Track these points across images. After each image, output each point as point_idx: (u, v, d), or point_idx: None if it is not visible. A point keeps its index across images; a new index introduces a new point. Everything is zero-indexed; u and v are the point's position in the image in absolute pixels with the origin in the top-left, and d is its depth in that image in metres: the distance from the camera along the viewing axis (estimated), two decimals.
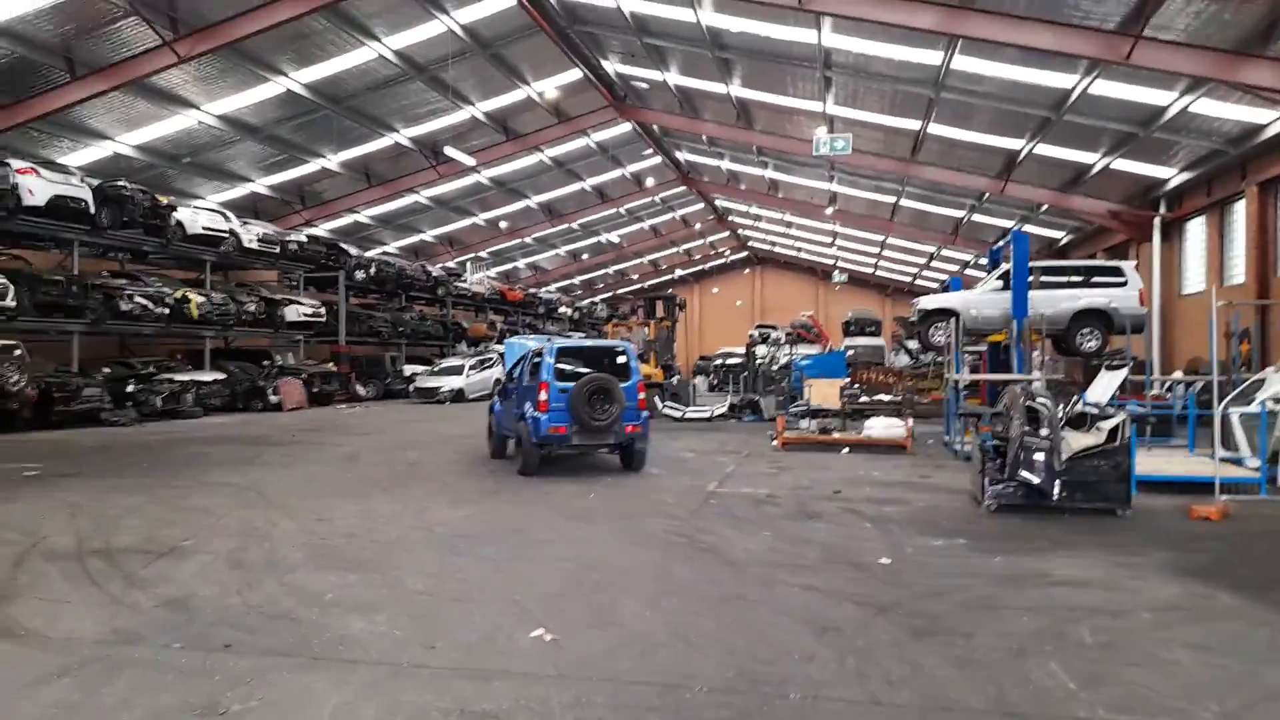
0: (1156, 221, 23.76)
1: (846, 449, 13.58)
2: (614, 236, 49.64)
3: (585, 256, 52.30)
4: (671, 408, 20.85)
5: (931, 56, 18.59)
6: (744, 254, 64.55)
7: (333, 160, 27.91)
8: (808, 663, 4.23)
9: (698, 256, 62.29)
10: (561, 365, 11.47)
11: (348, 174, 29.28)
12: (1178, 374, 18.01)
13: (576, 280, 59.67)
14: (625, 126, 31.62)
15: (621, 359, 12.03)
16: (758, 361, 38.93)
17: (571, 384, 11.06)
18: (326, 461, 12.86)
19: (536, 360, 11.78)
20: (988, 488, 8.23)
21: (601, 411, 10.97)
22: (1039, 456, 7.78)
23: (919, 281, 58.35)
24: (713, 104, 26.97)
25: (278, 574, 6.09)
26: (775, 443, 14.73)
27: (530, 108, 27.68)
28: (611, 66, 25.91)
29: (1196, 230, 23.27)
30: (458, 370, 30.37)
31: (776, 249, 61.03)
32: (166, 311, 21.82)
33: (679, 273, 65.02)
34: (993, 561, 6.31)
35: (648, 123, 30.63)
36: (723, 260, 65.05)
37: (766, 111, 26.26)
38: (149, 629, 4.91)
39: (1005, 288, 17.21)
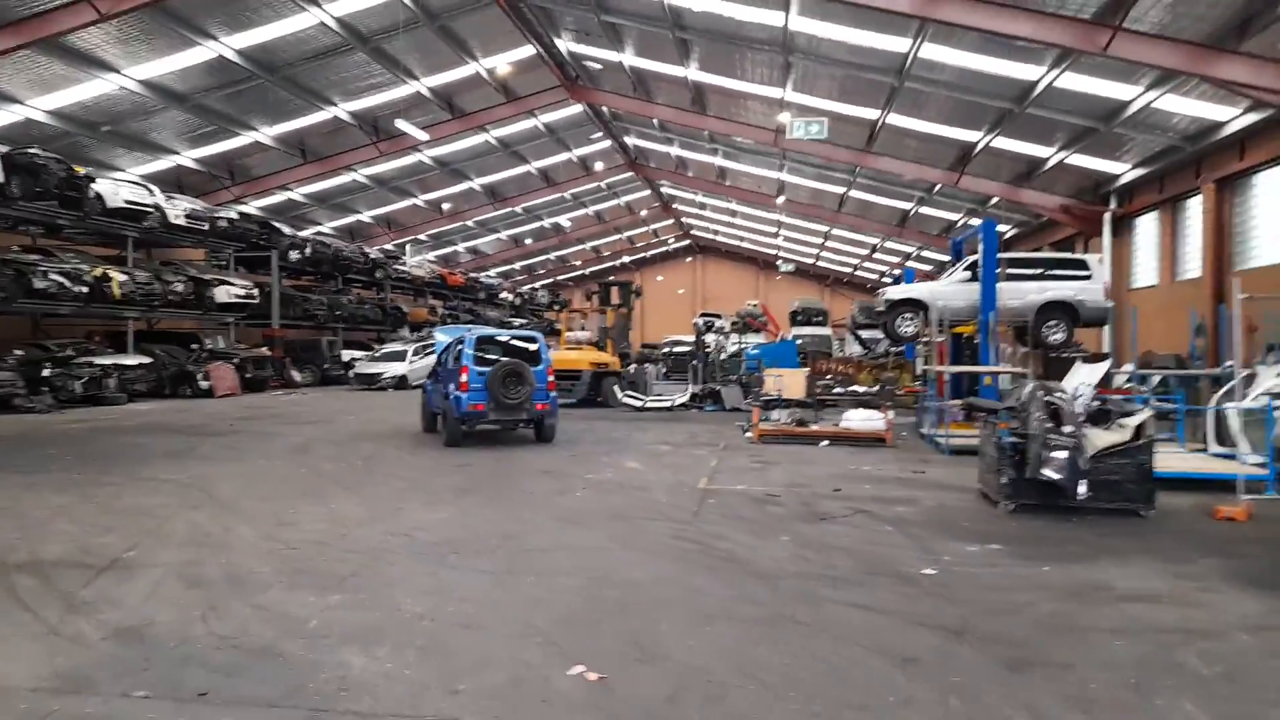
0: (1107, 216, 24.02)
1: (825, 441, 13.14)
2: (558, 221, 48.64)
3: (529, 241, 51.19)
4: (631, 397, 20.19)
5: (899, 43, 18.24)
6: (686, 242, 64.21)
7: (266, 134, 26.34)
8: (906, 707, 3.64)
9: (640, 244, 61.68)
10: (480, 352, 13.03)
11: (281, 149, 27.72)
12: (1128, 367, 18.11)
13: (517, 265, 58.48)
14: (575, 108, 30.72)
15: (533, 346, 13.81)
16: (707, 350, 38.75)
17: (489, 368, 12.61)
18: (274, 454, 11.85)
19: (459, 347, 13.19)
20: (1002, 486, 7.81)
21: (514, 391, 12.66)
22: (1061, 454, 7.38)
23: (859, 272, 58.93)
24: (668, 87, 26.30)
25: (245, 594, 5.25)
26: (750, 435, 14.22)
27: (478, 85, 26.58)
28: (565, 45, 24.98)
29: (1148, 225, 23.58)
30: (400, 356, 29.16)
31: (719, 238, 60.84)
32: (85, 290, 20.20)
33: (625, 260, 64.37)
34: (1042, 571, 5.84)
35: (599, 105, 29.79)
36: (665, 248, 64.61)
37: (722, 96, 25.71)
38: (100, 670, 4.05)
39: (973, 279, 17.09)
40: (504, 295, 51.37)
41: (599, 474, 10.18)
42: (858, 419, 13.23)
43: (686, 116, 27.46)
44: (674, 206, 51.56)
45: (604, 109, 31.01)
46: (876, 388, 15.10)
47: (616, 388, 20.64)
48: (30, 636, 4.50)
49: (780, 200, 37.11)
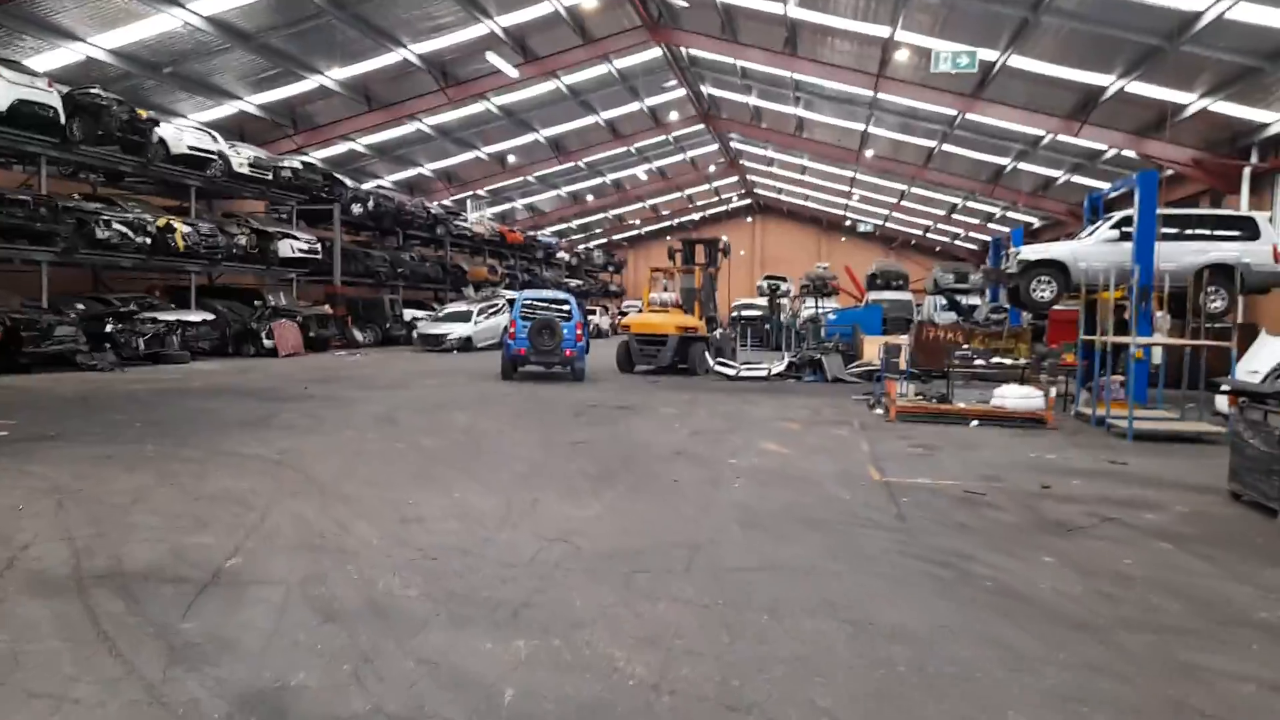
0: (1246, 172, 21.70)
1: (975, 421, 11.54)
2: (619, 177, 46.90)
3: (590, 199, 49.50)
4: (723, 365, 18.68)
5: None
6: (747, 202, 62.04)
7: (331, 77, 24.96)
8: None
9: (701, 203, 59.65)
10: (525, 310, 17.47)
11: (346, 94, 26.35)
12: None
13: (574, 224, 56.89)
14: (653, 52, 28.89)
15: (565, 307, 17.63)
16: (786, 315, 37.01)
17: (529, 321, 16.89)
18: (360, 424, 10.60)
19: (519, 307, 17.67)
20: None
21: (547, 341, 16.66)
22: None
23: (929, 235, 56.40)
24: (759, 26, 24.30)
25: (399, 634, 3.89)
26: (880, 411, 12.67)
27: (553, 25, 24.86)
28: None
29: None
30: (465, 316, 27.97)
31: (783, 197, 58.57)
32: (148, 242, 19.19)
33: (681, 220, 62.44)
34: None
35: (679, 46, 27.88)
36: (725, 208, 62.51)
37: (818, 36, 23.69)
38: None
39: (1121, 238, 15.24)
40: (560, 255, 49.99)
41: (742, 458, 8.72)
42: (1014, 396, 11.58)
43: (776, 59, 25.43)
44: (740, 163, 49.43)
45: (684, 52, 29.12)
46: (1026, 360, 13.38)
47: (707, 354, 19.14)
48: (124, 706, 3.18)
49: (869, 154, 34.90)
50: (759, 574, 4.92)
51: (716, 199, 59.89)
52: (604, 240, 63.80)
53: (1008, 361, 12.95)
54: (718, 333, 20.88)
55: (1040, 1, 17.28)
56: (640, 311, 22.81)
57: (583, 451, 8.93)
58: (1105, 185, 30.96)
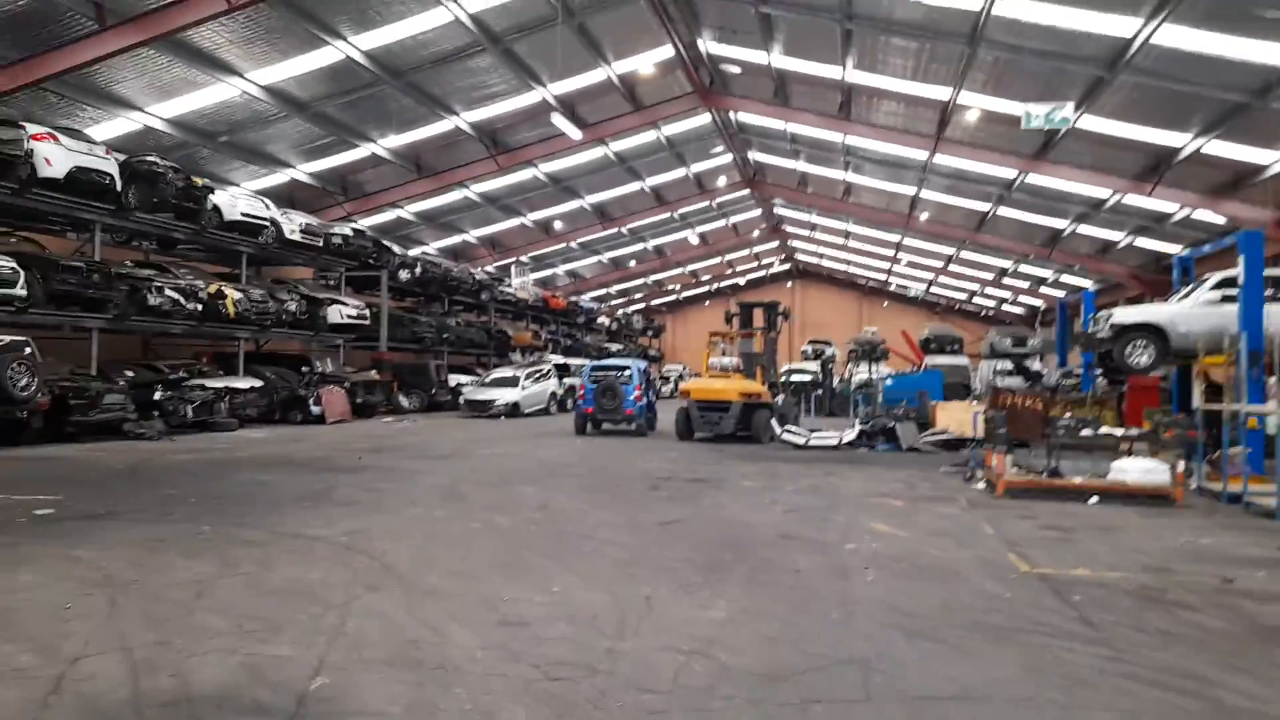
0: None
1: (1094, 498, 10.48)
2: (661, 242, 46.68)
3: (633, 264, 49.26)
4: (792, 433, 17.75)
5: (1125, 25, 15.57)
6: (786, 266, 61.59)
7: (383, 146, 24.97)
8: None
9: (740, 268, 59.29)
10: (594, 375, 20.60)
11: (397, 163, 26.34)
12: None
13: (614, 289, 56.65)
14: (701, 119, 28.70)
15: (627, 373, 20.43)
16: (846, 380, 36.03)
17: (595, 385, 20.07)
18: (425, 499, 9.81)
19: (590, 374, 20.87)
20: None
21: (610, 400, 19.80)
22: None
23: (976, 300, 55.41)
24: (813, 90, 23.96)
25: None
26: (980, 486, 11.66)
27: (604, 93, 24.74)
28: (705, 45, 22.99)
29: None
30: (512, 382, 27.37)
31: (824, 262, 58.04)
32: (199, 308, 18.88)
33: (719, 285, 62.09)
34: None
35: (730, 111, 27.65)
36: (764, 273, 62.09)
37: (876, 99, 23.27)
38: None
39: (1223, 300, 14.28)
40: (601, 320, 49.62)
41: (858, 542, 7.78)
42: (1135, 470, 10.53)
43: (829, 123, 25.05)
44: (782, 228, 49.06)
45: (733, 118, 28.91)
46: (1140, 429, 12.30)
47: (774, 422, 18.23)
48: None
49: (923, 218, 34.26)
50: (962, 706, 3.98)
51: (756, 264, 59.50)
52: (643, 305, 63.51)
53: (1119, 432, 11.88)
54: (779, 399, 19.98)
55: (1118, 59, 16.64)
56: (695, 377, 22.09)
57: (677, 534, 8.04)
58: (1174, 248, 30.09)
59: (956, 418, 19.89)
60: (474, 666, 4.37)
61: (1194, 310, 14.56)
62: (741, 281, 62.05)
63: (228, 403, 19.16)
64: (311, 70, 19.83)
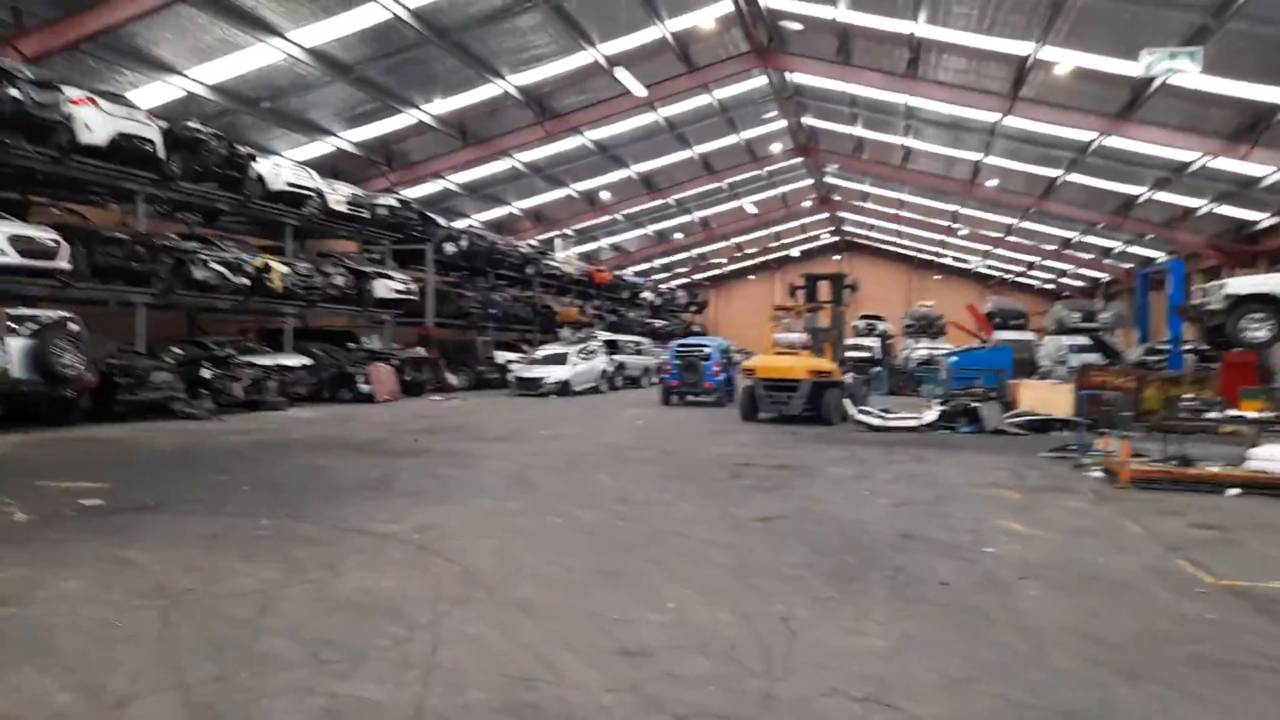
0: None
1: (1235, 489, 9.37)
2: (708, 214, 45.49)
3: (679, 236, 48.11)
4: (868, 414, 16.72)
5: None
6: (834, 239, 60.02)
7: (428, 112, 24.12)
8: None
9: (788, 240, 57.82)
10: (679, 352, 23.27)
11: (442, 130, 25.51)
12: None
13: (657, 263, 55.57)
14: (757, 81, 27.51)
15: (706, 350, 23.04)
16: (906, 357, 34.77)
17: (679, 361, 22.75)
18: (494, 488, 9.03)
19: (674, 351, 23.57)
20: None
21: (691, 375, 22.52)
22: None
23: (1032, 273, 53.52)
24: (880, 47, 22.64)
25: None
26: (1097, 474, 10.60)
27: (657, 53, 23.59)
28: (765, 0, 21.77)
29: None
30: (561, 359, 26.57)
31: (873, 234, 56.40)
32: (246, 282, 18.25)
33: (768, 257, 60.64)
34: None
35: (789, 71, 26.37)
36: (811, 245, 60.55)
37: (947, 55, 21.87)
38: None
39: None
40: (645, 295, 48.61)
41: (994, 544, 6.83)
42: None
43: (895, 83, 23.68)
44: (832, 198, 47.55)
45: (789, 80, 27.62)
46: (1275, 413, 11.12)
47: (848, 402, 17.21)
48: None
49: (992, 184, 32.69)
50: None
51: (803, 236, 58.00)
52: (686, 280, 62.37)
53: (1253, 415, 10.72)
54: (849, 377, 18.93)
55: (1229, 3, 15.18)
56: (746, 354, 21.15)
57: (782, 532, 7.15)
58: (1260, 215, 28.35)
59: (1041, 397, 18.71)
60: (595, 708, 3.53)
61: None
62: (789, 254, 60.55)
63: (277, 381, 18.58)
64: (355, 30, 19.00)
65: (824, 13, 21.14)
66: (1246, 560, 6.42)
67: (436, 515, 7.52)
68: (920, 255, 58.27)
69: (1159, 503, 8.81)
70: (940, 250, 54.47)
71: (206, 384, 16.53)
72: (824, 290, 20.37)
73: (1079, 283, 51.68)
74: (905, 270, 60.76)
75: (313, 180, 21.06)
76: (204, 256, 17.42)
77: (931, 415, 16.70)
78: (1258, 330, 13.52)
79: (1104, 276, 47.03)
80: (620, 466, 11.00)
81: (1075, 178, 29.57)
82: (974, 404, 16.73)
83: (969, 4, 18.75)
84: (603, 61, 23.05)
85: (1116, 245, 39.47)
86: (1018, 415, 17.24)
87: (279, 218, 20.66)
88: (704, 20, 21.67)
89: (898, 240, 55.55)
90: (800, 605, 5.03)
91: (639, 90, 21.91)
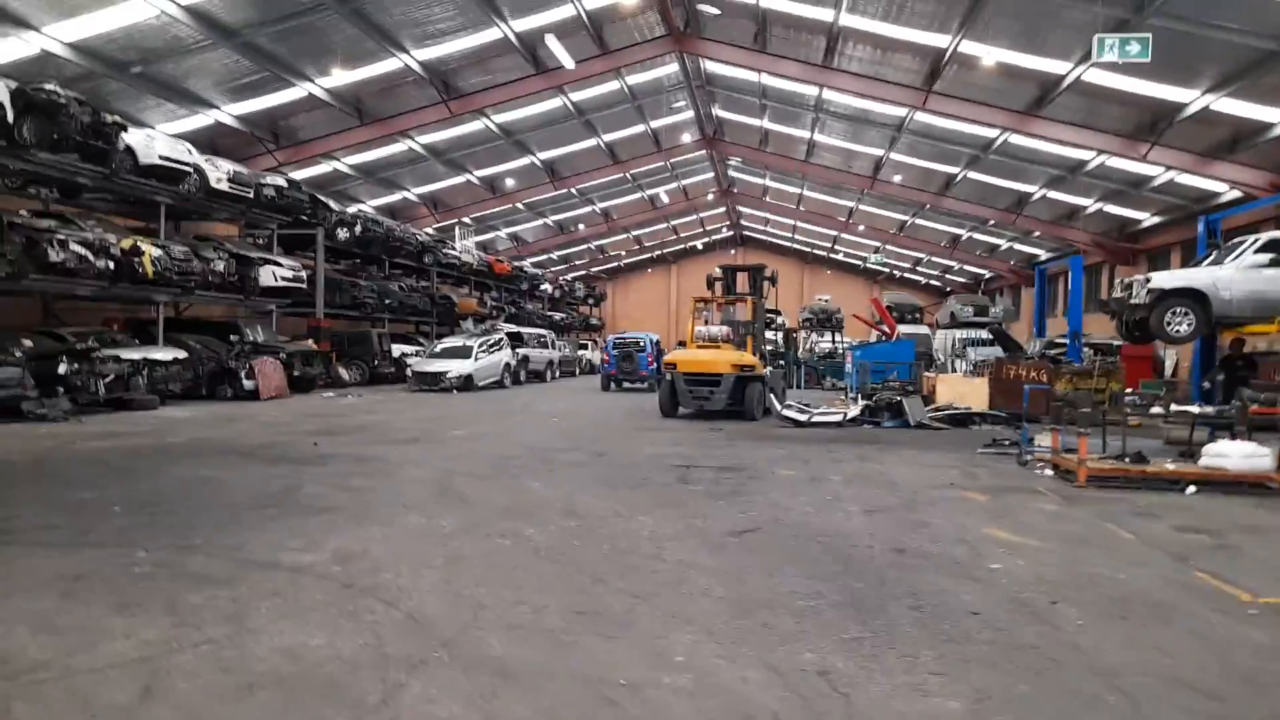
0: None
1: (1192, 487, 9.14)
2: (609, 205, 44.58)
3: (581, 228, 47.01)
4: (794, 409, 16.20)
5: None
6: (729, 234, 60.12)
7: (321, 85, 22.28)
8: None
9: (685, 234, 57.54)
10: (615, 346, 28.17)
11: (336, 106, 23.66)
12: None
13: (555, 255, 54.29)
14: (668, 68, 26.83)
15: (640, 343, 28.15)
16: (806, 351, 34.76)
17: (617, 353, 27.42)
18: (419, 501, 7.90)
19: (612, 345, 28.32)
20: None
21: (627, 365, 26.99)
22: None
23: (920, 269, 54.93)
24: (798, 35, 22.24)
25: None
26: (1048, 472, 10.26)
27: (572, 32, 22.43)
28: None
29: None
30: (465, 353, 25.25)
31: (769, 228, 56.73)
32: (111, 266, 16.24)
33: (665, 250, 60.24)
34: None
35: (701, 59, 25.71)
36: (707, 239, 60.50)
37: (865, 46, 21.61)
38: None
39: (1273, 264, 13.21)
40: (544, 287, 47.34)
41: (996, 559, 6.20)
42: (1236, 455, 9.22)
43: (811, 72, 23.35)
44: (733, 191, 47.42)
45: (702, 67, 27.00)
46: (1222, 408, 11.03)
47: (773, 397, 16.67)
48: None
49: (896, 179, 32.98)
50: None
51: (702, 230, 57.86)
52: (583, 272, 61.32)
53: (1196, 410, 10.60)
54: (768, 370, 18.43)
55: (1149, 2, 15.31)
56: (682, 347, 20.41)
57: (763, 550, 6.33)
58: (1143, 215, 29.53)
59: (958, 390, 18.72)
60: None
61: (1239, 275, 13.41)
62: (686, 248, 60.38)
63: (146, 376, 16.63)
64: None
65: None
66: (1260, 571, 5.98)
67: (359, 539, 6.36)
68: (814, 251, 59.03)
69: (1127, 503, 8.46)
70: (833, 246, 55.27)
71: (63, 380, 14.54)
72: (743, 282, 19.81)
73: (962, 279, 53.39)
74: (798, 266, 61.37)
75: (191, 155, 19.03)
76: (62, 236, 15.34)
77: (855, 410, 16.33)
78: (1180, 324, 13.57)
79: (986, 273, 48.66)
80: (553, 472, 9.99)
81: (974, 175, 30.14)
82: (898, 398, 16.44)
83: None
84: (513, 38, 21.81)
85: (1002, 243, 40.73)
86: (939, 409, 17.12)
87: (151, 195, 18.55)
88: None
89: (792, 236, 56.02)
90: (833, 652, 4.18)
91: (569, 62, 20.89)
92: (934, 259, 50.46)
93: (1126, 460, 9.74)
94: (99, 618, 4.50)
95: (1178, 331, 13.70)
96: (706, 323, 19.37)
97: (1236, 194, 22.47)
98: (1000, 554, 6.31)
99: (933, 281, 57.36)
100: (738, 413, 17.02)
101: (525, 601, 4.92)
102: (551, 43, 19.70)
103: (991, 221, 36.43)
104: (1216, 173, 21.62)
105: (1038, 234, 35.96)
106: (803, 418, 15.93)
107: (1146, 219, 29.57)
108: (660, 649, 4.19)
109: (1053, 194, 29.87)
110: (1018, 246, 40.84)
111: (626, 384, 27.42)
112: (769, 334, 36.34)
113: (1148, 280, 13.98)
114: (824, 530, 7.03)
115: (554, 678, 3.80)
